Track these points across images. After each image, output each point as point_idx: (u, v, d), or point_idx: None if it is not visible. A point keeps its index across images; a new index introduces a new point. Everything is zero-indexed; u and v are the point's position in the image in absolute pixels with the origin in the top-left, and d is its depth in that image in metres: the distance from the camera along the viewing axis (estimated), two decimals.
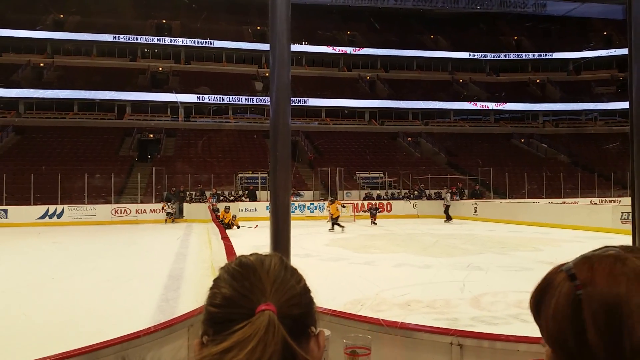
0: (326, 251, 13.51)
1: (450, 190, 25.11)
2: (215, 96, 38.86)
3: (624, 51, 1.31)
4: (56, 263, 11.82)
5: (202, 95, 38.86)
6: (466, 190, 30.13)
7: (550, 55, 44.06)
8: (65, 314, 7.01)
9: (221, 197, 25.95)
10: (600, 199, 24.79)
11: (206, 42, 41.65)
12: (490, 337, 2.39)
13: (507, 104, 42.07)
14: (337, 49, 43.65)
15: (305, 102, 39.92)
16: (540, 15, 43.32)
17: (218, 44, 41.75)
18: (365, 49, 43.80)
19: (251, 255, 0.75)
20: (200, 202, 25.36)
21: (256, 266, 0.71)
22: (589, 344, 0.60)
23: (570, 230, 17.59)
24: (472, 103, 42.17)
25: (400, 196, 29.08)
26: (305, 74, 42.30)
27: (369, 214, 22.30)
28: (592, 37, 42.45)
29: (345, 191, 28.75)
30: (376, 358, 1.41)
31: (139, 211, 24.02)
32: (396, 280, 9.32)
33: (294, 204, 25.78)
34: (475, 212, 24.71)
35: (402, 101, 41.47)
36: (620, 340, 0.58)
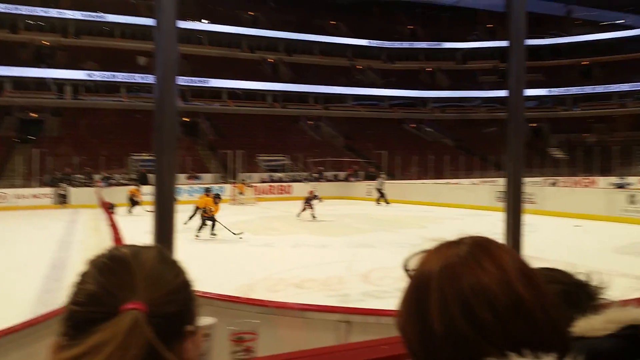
0: (224, 234, 13.48)
1: (382, 174, 25.39)
2: (107, 73, 36.38)
3: (506, 43, 1.50)
4: None
5: (92, 72, 36.16)
6: (362, 173, 31.44)
7: (441, 45, 46.76)
8: None
9: (111, 181, 24.66)
10: (479, 179, 27.08)
11: (98, 16, 38.62)
12: (376, 313, 2.53)
13: (401, 90, 44.16)
14: (240, 30, 42.69)
15: (205, 82, 38.76)
16: (433, 5, 45.59)
17: (111, 17, 38.89)
18: (267, 30, 43.31)
19: (126, 246, 0.67)
20: (89, 186, 23.88)
21: (129, 259, 0.64)
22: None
23: (453, 209, 19.15)
24: (369, 89, 43.72)
25: (301, 178, 29.57)
26: (205, 54, 40.97)
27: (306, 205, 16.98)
28: (478, 28, 45.68)
29: (246, 174, 28.58)
30: (266, 341, 1.43)
31: (20, 196, 22.02)
32: (293, 260, 9.65)
33: (192, 187, 25.19)
34: (369, 193, 25.88)
35: (304, 85, 41.82)
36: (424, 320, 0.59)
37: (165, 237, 1.23)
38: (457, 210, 18.54)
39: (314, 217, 15.94)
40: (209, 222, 12.70)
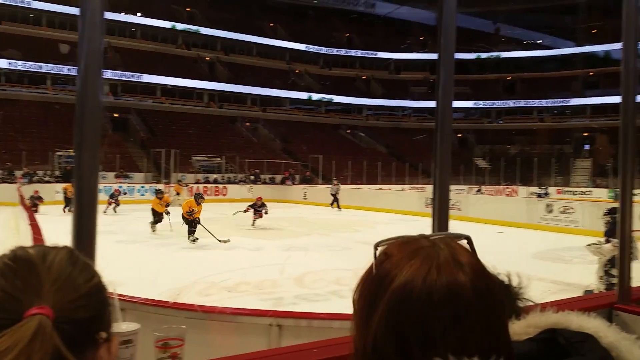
0: (155, 236, 13.07)
1: (337, 179, 25.01)
2: (32, 63, 34.18)
3: (436, 56, 1.53)
4: None
5: (14, 61, 33.82)
6: (298, 176, 31.55)
7: (376, 55, 47.93)
8: None
9: (33, 178, 23.20)
10: (410, 185, 27.99)
11: (21, 2, 36.18)
12: (308, 316, 2.54)
13: (337, 96, 44.81)
14: (176, 25, 41.51)
15: (138, 77, 37.35)
16: (368, 14, 46.62)
17: (37, 4, 36.56)
18: (205, 28, 42.46)
19: (33, 247, 0.63)
20: (9, 182, 22.33)
21: (35, 261, 0.59)
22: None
23: (385, 213, 19.67)
24: (306, 93, 44.00)
25: (237, 180, 29.21)
26: (139, 48, 39.52)
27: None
28: (411, 40, 47.18)
29: (180, 174, 27.84)
30: (194, 347, 1.39)
31: None
32: (227, 263, 9.50)
33: (121, 187, 24.22)
34: (304, 196, 26.03)
35: (241, 86, 41.31)
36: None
37: (86, 238, 1.18)
38: (389, 215, 19.05)
39: (253, 223, 15.02)
40: (190, 225, 11.98)
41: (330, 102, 44.89)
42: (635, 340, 0.66)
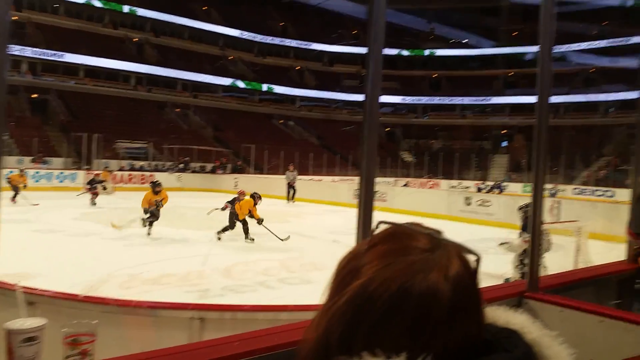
0: (75, 226, 12.42)
1: (293, 165, 22.49)
2: None
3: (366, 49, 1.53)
4: None
5: None
6: (229, 165, 31.06)
7: (310, 46, 47.96)
8: None
9: None
10: (340, 177, 28.41)
11: None
12: (232, 308, 2.49)
13: (271, 85, 44.45)
14: (103, 3, 39.18)
15: (60, 56, 35.00)
16: (304, 4, 46.45)
17: None
18: (133, 7, 40.42)
19: None
20: None
21: None
22: None
23: (316, 204, 19.87)
24: (240, 81, 43.24)
25: (165, 168, 28.28)
26: (62, 25, 37.01)
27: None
28: (345, 33, 47.65)
29: (102, 160, 26.52)
30: (108, 343, 1.34)
31: None
32: (150, 255, 9.20)
33: (39, 172, 22.77)
34: (236, 185, 25.64)
35: (172, 69, 39.77)
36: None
37: None
38: (319, 206, 19.26)
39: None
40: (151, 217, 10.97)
41: (263, 91, 44.45)
42: (555, 337, 0.68)
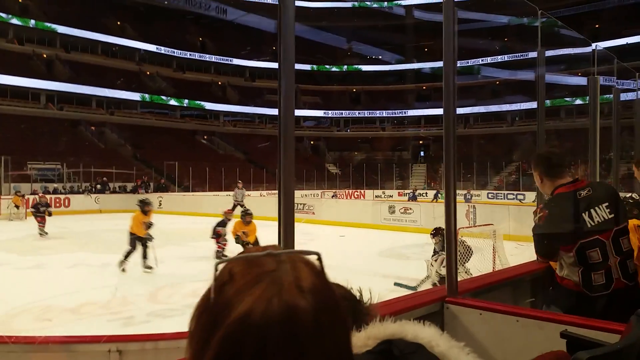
0: None
1: (240, 186, 21.15)
2: None
3: None
4: None
5: None
6: (152, 184, 29.92)
7: (231, 61, 47.66)
8: None
9: None
10: (267, 191, 28.28)
11: None
12: (152, 338, 2.36)
13: (192, 101, 43.56)
14: (7, 17, 36.52)
15: None
16: (221, 20, 46.17)
17: None
18: (40, 22, 38.06)
19: None
20: None
21: None
22: None
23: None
24: (159, 96, 41.98)
25: (81, 190, 26.74)
26: None
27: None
28: (265, 49, 47.81)
29: (12, 184, 24.61)
30: None
31: None
32: (69, 283, 8.62)
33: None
34: (160, 205, 24.74)
35: (85, 86, 37.84)
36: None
37: None
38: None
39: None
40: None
41: (185, 107, 43.41)
42: (462, 348, 0.70)
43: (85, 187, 27.23)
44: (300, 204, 19.33)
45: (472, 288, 2.37)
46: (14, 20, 37.00)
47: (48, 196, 24.12)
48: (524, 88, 34.68)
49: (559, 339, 1.27)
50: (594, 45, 4.95)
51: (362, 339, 0.71)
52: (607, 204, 2.31)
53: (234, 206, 19.74)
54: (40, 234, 14.77)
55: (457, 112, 2.33)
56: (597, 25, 40.22)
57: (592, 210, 2.30)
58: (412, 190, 30.09)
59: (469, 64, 43.07)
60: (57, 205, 23.65)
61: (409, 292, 8.53)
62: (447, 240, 2.21)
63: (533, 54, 3.55)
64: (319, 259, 0.59)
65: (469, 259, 7.38)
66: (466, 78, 42.15)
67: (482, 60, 43.78)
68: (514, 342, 1.92)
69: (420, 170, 41.23)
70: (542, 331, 1.82)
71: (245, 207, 18.92)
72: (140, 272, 9.51)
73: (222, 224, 10.86)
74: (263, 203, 21.98)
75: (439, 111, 2.22)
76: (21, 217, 20.54)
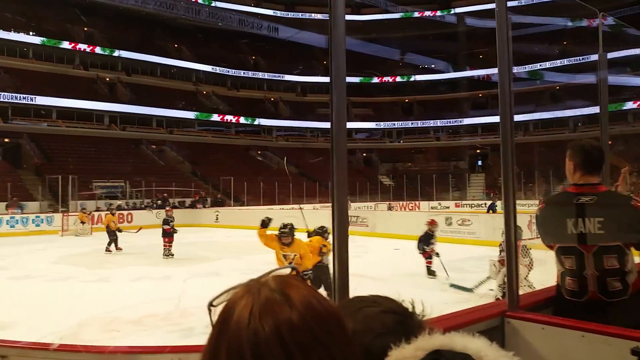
0: (53, 270, 12.08)
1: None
2: None
3: None
4: None
5: None
6: (209, 199, 30.81)
7: (282, 77, 48.56)
8: None
9: None
10: (321, 204, 28.37)
11: None
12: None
13: (246, 118, 44.64)
14: (73, 45, 39.10)
15: (31, 100, 34.67)
16: (273, 38, 47.21)
17: None
18: (104, 48, 40.45)
19: None
20: None
21: None
22: None
23: (297, 233, 19.67)
24: (215, 115, 43.33)
25: (143, 206, 27.90)
26: (32, 68, 36.81)
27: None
28: (316, 64, 48.41)
29: (79, 201, 26.05)
30: None
31: None
32: (132, 295, 8.96)
33: (14, 217, 22.32)
34: (217, 219, 25.43)
35: (145, 107, 39.73)
36: None
37: None
38: (301, 234, 19.08)
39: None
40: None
41: (240, 123, 44.56)
42: (512, 357, 0.70)
43: (146, 203, 28.38)
44: (354, 216, 19.26)
45: (534, 302, 2.28)
46: (80, 46, 39.40)
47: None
48: (586, 92, 33.14)
49: (629, 356, 1.19)
50: None
51: (411, 350, 0.71)
52: (602, 219, 2.15)
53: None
54: (166, 255, 13.66)
55: (516, 119, 2.26)
56: None
57: (580, 219, 2.19)
58: (492, 201, 26.64)
59: (527, 69, 41.62)
60: (120, 221, 24.77)
61: (464, 293, 8.28)
62: (508, 253, 2.14)
63: (594, 57, 3.39)
64: (297, 273, 0.64)
65: (529, 272, 7.10)
66: (524, 84, 40.74)
67: (540, 65, 42.18)
68: (579, 359, 1.82)
69: (479, 180, 40.08)
70: (611, 347, 1.72)
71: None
72: (202, 285, 9.76)
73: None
74: (317, 217, 22.12)
75: (497, 119, 2.16)
76: (87, 232, 21.65)
